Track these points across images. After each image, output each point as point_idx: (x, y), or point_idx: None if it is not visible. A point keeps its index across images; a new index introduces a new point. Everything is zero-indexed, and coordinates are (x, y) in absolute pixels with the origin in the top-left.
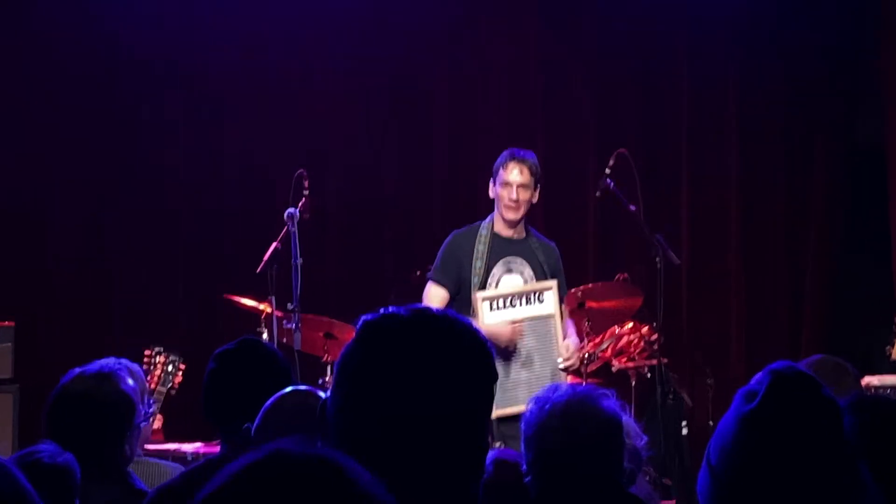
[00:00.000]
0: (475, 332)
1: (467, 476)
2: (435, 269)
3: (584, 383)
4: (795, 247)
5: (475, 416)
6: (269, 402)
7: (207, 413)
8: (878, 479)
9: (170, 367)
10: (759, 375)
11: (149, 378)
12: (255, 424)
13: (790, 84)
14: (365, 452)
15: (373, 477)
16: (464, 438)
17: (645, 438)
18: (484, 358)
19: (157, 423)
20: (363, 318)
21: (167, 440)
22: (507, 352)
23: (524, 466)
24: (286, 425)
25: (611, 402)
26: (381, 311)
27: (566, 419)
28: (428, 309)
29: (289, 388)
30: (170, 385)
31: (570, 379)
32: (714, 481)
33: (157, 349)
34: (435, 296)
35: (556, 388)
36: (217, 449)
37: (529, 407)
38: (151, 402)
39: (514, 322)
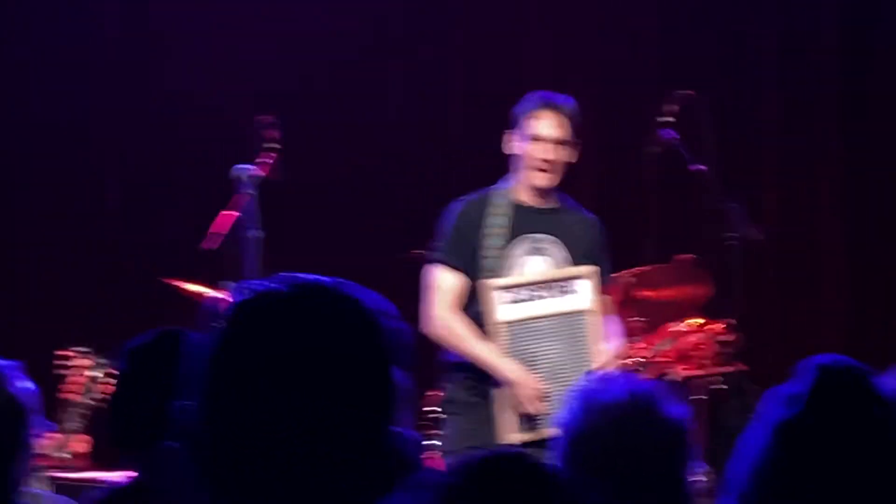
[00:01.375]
0: (374, 305)
1: (363, 490)
2: (441, 249)
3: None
4: None
5: (369, 419)
6: None
7: (112, 425)
8: None
9: (95, 373)
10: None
11: (65, 386)
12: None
13: None
14: (235, 468)
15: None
16: (357, 445)
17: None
18: (380, 338)
19: (82, 447)
20: (233, 297)
21: (94, 468)
22: (528, 361)
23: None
24: None
25: (678, 405)
26: (253, 286)
27: (620, 425)
28: (316, 282)
29: None
30: (96, 396)
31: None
32: None
33: (78, 350)
34: (450, 284)
35: (606, 380)
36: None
37: (569, 406)
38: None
39: (535, 319)
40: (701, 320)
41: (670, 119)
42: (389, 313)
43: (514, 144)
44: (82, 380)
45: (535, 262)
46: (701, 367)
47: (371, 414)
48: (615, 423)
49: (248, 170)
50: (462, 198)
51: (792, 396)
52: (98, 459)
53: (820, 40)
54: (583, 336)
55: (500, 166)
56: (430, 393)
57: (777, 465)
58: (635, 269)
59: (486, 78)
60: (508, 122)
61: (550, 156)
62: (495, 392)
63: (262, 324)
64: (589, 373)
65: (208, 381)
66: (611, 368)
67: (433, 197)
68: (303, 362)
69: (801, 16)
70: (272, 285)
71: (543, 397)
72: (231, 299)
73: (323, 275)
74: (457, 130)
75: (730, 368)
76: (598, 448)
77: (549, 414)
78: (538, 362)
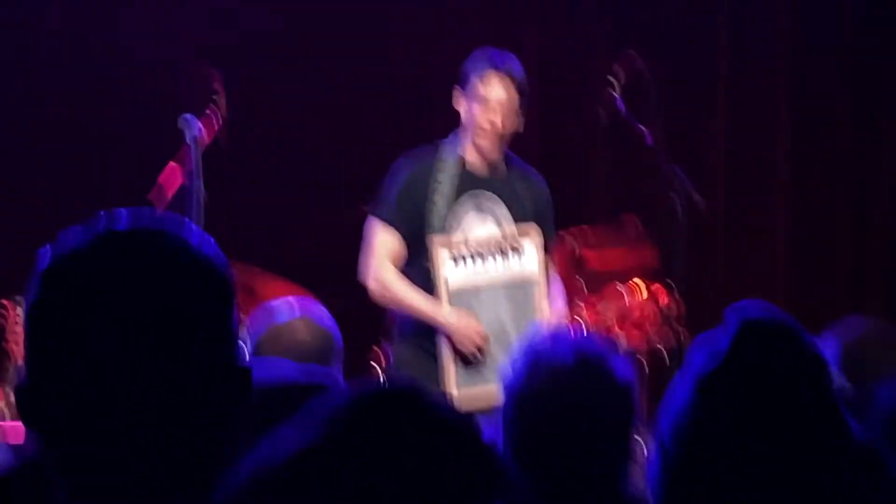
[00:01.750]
0: (198, 245)
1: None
2: (383, 206)
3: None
4: (864, 182)
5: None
6: None
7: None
8: None
9: None
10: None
11: (7, 336)
12: None
13: None
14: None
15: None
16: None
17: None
18: (214, 279)
19: None
20: (39, 266)
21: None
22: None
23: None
24: None
25: (625, 364)
26: (54, 244)
27: (570, 383)
28: (118, 232)
29: None
30: None
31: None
32: (666, 466)
33: (18, 299)
34: (386, 244)
35: (552, 339)
36: None
37: (513, 366)
38: None
39: (482, 280)
40: (644, 283)
41: (617, 81)
42: (210, 250)
43: (463, 104)
44: (21, 329)
45: (479, 222)
46: (643, 329)
47: (206, 355)
48: (561, 382)
49: (192, 121)
50: (409, 153)
51: (713, 346)
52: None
53: (772, 2)
54: (528, 296)
55: (451, 120)
56: (375, 349)
57: (696, 418)
58: (578, 229)
59: (431, 34)
60: (457, 78)
61: (498, 120)
62: (439, 347)
63: (67, 287)
64: (534, 332)
65: (30, 351)
66: (555, 328)
67: (379, 152)
68: (123, 309)
69: None
70: (71, 242)
71: (484, 339)
72: (38, 264)
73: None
74: (400, 83)
75: (671, 331)
76: (543, 408)
77: (492, 367)
78: (483, 322)
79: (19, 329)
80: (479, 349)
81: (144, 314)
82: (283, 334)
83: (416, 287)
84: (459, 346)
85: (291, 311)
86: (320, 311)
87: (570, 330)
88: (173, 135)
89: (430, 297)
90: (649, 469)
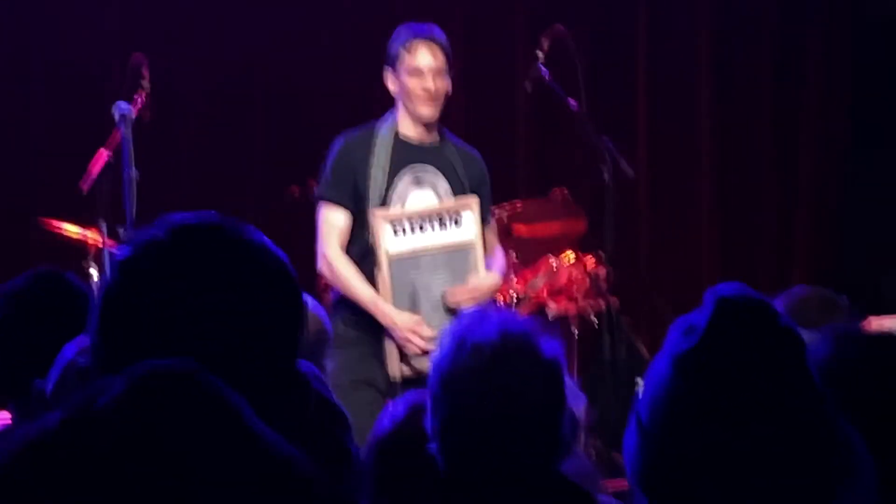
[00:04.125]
0: (273, 248)
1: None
2: (325, 185)
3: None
4: (785, 150)
5: (277, 352)
6: (67, 350)
7: None
8: (870, 439)
9: None
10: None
11: None
12: (50, 382)
13: None
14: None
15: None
16: (269, 385)
17: (583, 400)
18: (288, 281)
19: None
20: (117, 251)
21: None
22: (413, 294)
23: (429, 429)
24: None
25: (551, 342)
26: (132, 236)
27: (496, 363)
28: (198, 223)
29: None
30: None
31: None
32: (645, 443)
33: None
34: (336, 221)
35: (478, 318)
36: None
37: (441, 345)
38: None
39: (421, 251)
40: (574, 254)
41: (543, 53)
42: (277, 250)
43: (394, 79)
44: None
45: (418, 194)
46: (574, 300)
47: (276, 353)
48: (486, 362)
49: (124, 108)
50: (344, 132)
51: (691, 327)
52: None
53: None
54: (467, 267)
55: (384, 101)
56: None
57: (675, 397)
58: (509, 203)
59: (359, 13)
60: (384, 58)
61: (431, 86)
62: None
63: (148, 277)
64: (461, 310)
65: (100, 339)
66: (485, 300)
67: (316, 132)
68: (204, 300)
69: None
70: (154, 233)
71: (424, 336)
72: (116, 254)
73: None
74: (329, 67)
75: (602, 302)
76: (468, 388)
77: (432, 349)
78: (423, 294)
79: None
80: (415, 344)
81: (217, 309)
82: None
83: (362, 276)
84: (401, 344)
85: None
86: (309, 299)
87: (497, 309)
88: (109, 124)
89: (372, 289)
90: (626, 446)
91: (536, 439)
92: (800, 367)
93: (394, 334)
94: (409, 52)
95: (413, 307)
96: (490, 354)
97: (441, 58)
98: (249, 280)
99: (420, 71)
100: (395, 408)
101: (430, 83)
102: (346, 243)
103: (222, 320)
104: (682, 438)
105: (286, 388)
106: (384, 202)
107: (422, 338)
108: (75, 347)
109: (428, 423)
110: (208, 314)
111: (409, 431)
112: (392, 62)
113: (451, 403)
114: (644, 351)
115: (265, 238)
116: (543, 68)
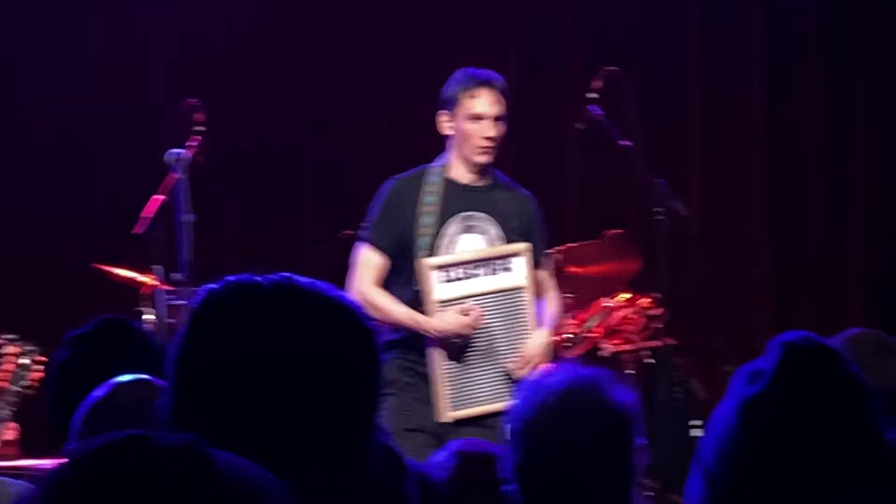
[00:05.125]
0: (356, 307)
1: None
2: (370, 227)
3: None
4: (839, 191)
5: (357, 412)
6: (92, 397)
7: (54, 415)
8: None
9: (24, 361)
10: (766, 351)
11: None
12: (74, 426)
13: None
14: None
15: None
16: (342, 447)
17: (642, 442)
18: (369, 339)
19: (11, 434)
20: (203, 289)
21: (24, 455)
22: (461, 341)
23: (507, 472)
24: (117, 429)
25: (623, 391)
26: (227, 280)
27: (567, 411)
28: (291, 279)
29: (123, 378)
30: (25, 384)
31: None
32: (710, 487)
33: (4, 337)
34: (370, 263)
35: (552, 371)
36: None
37: (517, 395)
38: None
39: (471, 297)
40: (629, 295)
41: (596, 95)
42: (363, 312)
43: (450, 124)
44: (10, 367)
45: (469, 239)
46: (629, 341)
47: (356, 414)
48: (561, 410)
49: (178, 153)
50: (395, 176)
51: (757, 373)
52: (26, 447)
53: (745, 16)
54: (518, 313)
55: (436, 145)
56: None
57: (742, 443)
58: (564, 246)
59: (409, 58)
60: (439, 103)
61: (492, 133)
62: (430, 370)
63: (236, 320)
64: (528, 361)
65: (179, 378)
66: (546, 347)
67: (367, 176)
68: (284, 359)
69: None
70: (246, 279)
71: (471, 326)
72: (199, 295)
73: (259, 258)
74: (383, 112)
75: (657, 342)
76: (543, 438)
77: (485, 390)
78: (475, 340)
79: (9, 366)
80: (467, 346)
81: (296, 364)
82: None
83: (398, 301)
84: (448, 338)
85: None
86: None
87: (571, 363)
88: (161, 172)
89: (413, 310)
90: (689, 491)
91: (609, 486)
92: (864, 414)
93: (439, 331)
94: (469, 97)
95: (462, 354)
96: (563, 402)
97: (500, 104)
98: (327, 335)
99: (480, 117)
100: (443, 458)
101: (489, 130)
102: (380, 284)
103: (306, 380)
104: (749, 484)
105: (364, 445)
106: (433, 247)
107: (464, 330)
108: (106, 388)
109: (506, 466)
110: (293, 374)
111: (463, 478)
112: (450, 105)
113: (526, 448)
114: (700, 391)
115: (342, 293)
116: (596, 108)
